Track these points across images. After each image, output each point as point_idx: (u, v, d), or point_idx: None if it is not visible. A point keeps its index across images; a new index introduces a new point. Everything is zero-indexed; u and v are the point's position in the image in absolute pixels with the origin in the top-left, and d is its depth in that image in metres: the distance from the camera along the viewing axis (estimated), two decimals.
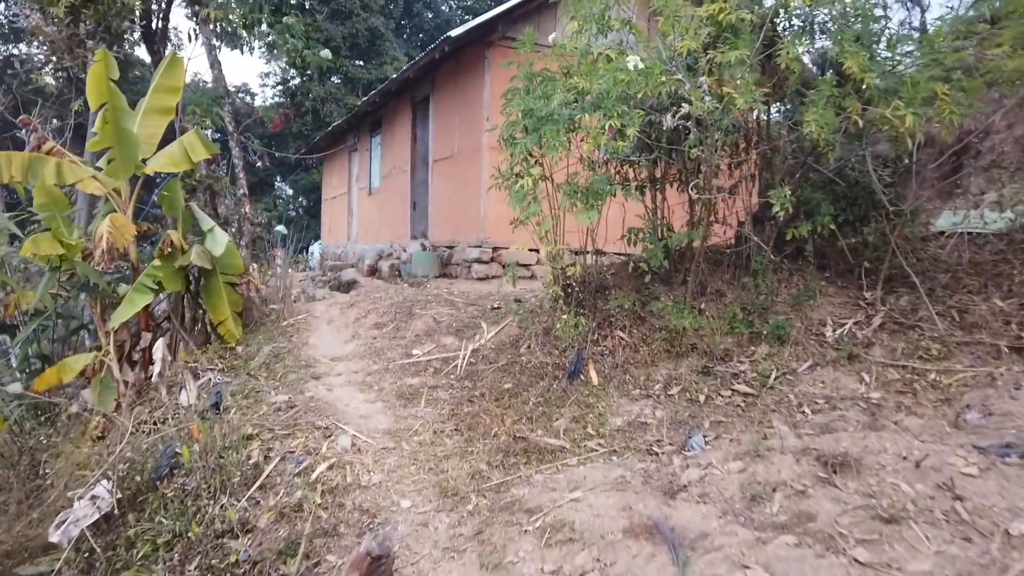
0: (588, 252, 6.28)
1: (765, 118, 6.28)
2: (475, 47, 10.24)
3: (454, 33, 9.78)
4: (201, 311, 7.40)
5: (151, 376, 6.83)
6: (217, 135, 18.74)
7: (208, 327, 7.32)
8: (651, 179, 6.32)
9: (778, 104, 6.52)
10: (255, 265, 9.91)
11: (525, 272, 9.63)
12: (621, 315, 6.02)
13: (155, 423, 5.07)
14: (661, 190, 6.32)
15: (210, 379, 6.38)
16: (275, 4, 14.86)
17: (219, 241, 6.86)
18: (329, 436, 5.11)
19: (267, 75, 29.78)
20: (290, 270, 21.40)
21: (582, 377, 5.63)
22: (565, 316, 5.73)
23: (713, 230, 6.16)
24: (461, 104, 10.92)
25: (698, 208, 6.19)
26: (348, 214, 17.99)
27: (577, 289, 6.05)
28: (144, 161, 6.79)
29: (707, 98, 4.91)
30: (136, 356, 6.85)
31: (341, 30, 25.81)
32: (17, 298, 6.42)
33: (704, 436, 4.70)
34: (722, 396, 5.22)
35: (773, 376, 5.23)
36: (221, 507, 4.34)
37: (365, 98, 14.97)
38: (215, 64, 7.84)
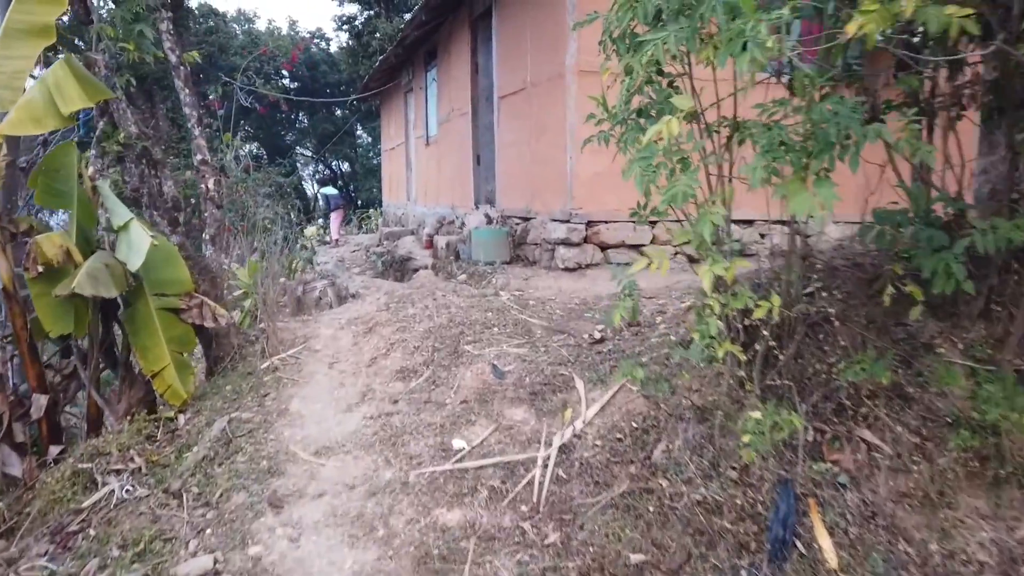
0: (788, 254, 3.16)
1: None
2: None
3: None
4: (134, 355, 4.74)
5: (48, 463, 4.29)
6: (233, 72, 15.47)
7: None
8: (914, 101, 3.08)
9: None
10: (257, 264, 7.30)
11: (635, 255, 6.50)
12: (864, 391, 2.93)
13: None
14: (945, 123, 3.06)
15: (112, 491, 3.75)
16: None
17: (136, 246, 4.12)
18: None
19: (341, 18, 26.91)
20: (351, 234, 18.89)
21: (798, 548, 2.61)
22: (757, 413, 2.67)
23: None
24: (533, 10, 7.65)
25: None
26: (406, 169, 15.06)
27: (770, 342, 2.97)
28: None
29: None
30: (21, 436, 4.29)
31: None
32: None
33: None
34: None
35: None
36: None
37: (409, 16, 11.83)
38: None
